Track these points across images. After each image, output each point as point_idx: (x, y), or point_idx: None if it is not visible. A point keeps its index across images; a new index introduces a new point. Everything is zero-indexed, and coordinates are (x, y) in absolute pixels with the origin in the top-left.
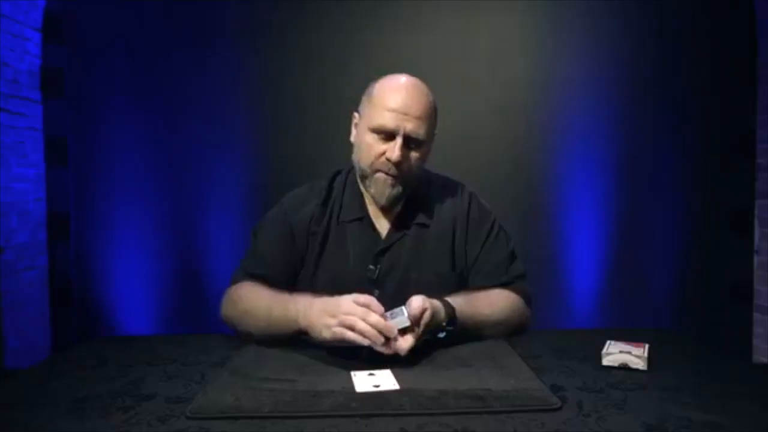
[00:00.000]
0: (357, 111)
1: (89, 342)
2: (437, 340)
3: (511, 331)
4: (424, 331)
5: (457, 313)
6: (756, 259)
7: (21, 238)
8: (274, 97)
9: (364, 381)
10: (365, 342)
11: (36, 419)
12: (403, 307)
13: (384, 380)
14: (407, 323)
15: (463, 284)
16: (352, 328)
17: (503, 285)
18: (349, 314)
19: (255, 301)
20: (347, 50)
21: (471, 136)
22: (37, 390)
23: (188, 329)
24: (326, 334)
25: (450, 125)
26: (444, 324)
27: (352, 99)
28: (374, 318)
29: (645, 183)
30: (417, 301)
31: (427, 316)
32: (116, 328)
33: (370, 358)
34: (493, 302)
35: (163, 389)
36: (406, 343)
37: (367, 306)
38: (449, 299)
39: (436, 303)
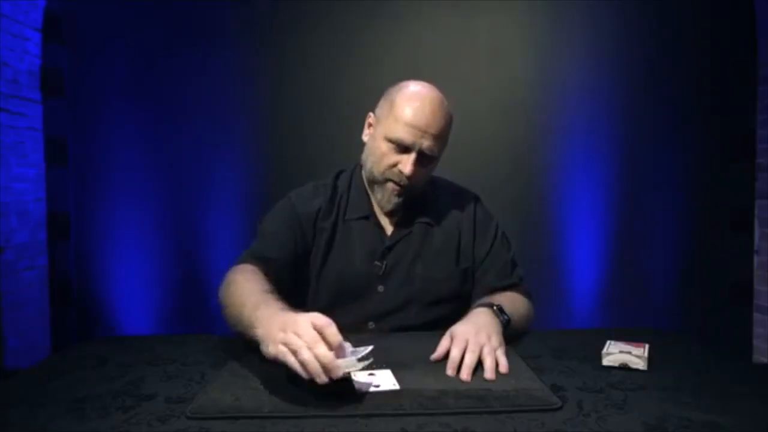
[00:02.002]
0: (373, 111)
1: (89, 342)
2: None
3: (526, 329)
4: (477, 349)
5: (503, 306)
6: (756, 259)
7: (21, 238)
8: (274, 97)
9: (364, 381)
10: (304, 375)
11: (36, 419)
12: (368, 348)
13: (384, 380)
14: (356, 367)
15: (467, 281)
16: (295, 354)
17: (512, 286)
18: (300, 335)
19: (238, 290)
20: (347, 50)
21: (471, 136)
22: (37, 390)
23: (188, 329)
24: (271, 349)
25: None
26: (503, 319)
27: (352, 99)
28: (322, 350)
29: (645, 183)
30: (441, 343)
31: (470, 343)
32: (116, 328)
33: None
34: (515, 304)
35: (163, 389)
36: (465, 373)
37: (321, 331)
38: (481, 301)
39: (478, 316)
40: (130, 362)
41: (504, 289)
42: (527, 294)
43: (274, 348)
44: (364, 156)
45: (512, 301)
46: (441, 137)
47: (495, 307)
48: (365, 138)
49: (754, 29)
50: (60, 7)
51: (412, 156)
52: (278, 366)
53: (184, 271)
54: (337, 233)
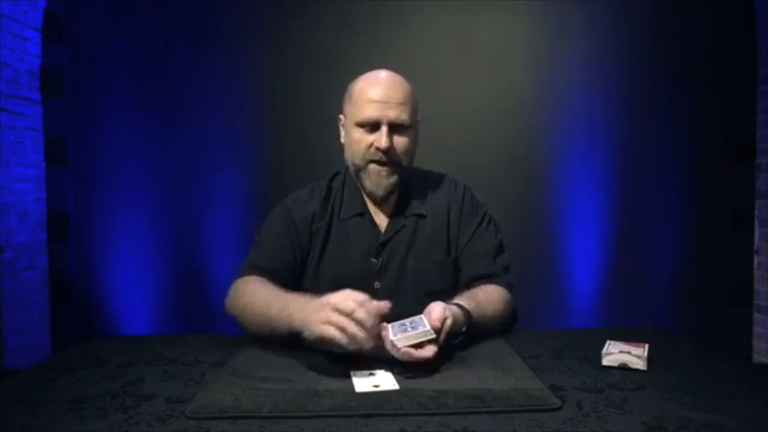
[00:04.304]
0: (341, 114)
1: (89, 342)
2: (452, 344)
3: (503, 325)
4: (446, 339)
5: (473, 318)
6: (756, 259)
7: (21, 238)
8: (273, 98)
9: (364, 381)
10: (351, 345)
11: (36, 419)
12: (422, 317)
13: (383, 380)
14: (431, 335)
15: (458, 270)
16: (341, 329)
17: (492, 276)
18: (341, 310)
19: (256, 297)
20: (347, 50)
21: (471, 136)
22: (37, 390)
23: (188, 329)
24: (315, 330)
25: (450, 125)
26: (464, 329)
27: None
28: (361, 314)
29: (645, 183)
30: (437, 311)
31: (448, 324)
32: (116, 328)
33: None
34: (492, 301)
35: (163, 389)
36: (429, 352)
37: (361, 304)
38: (462, 303)
39: (455, 309)
40: (130, 362)
41: (483, 278)
42: (508, 287)
43: (318, 328)
44: (345, 155)
45: (488, 299)
46: (405, 104)
47: (465, 320)
48: (342, 140)
49: (754, 29)
50: (60, 7)
51: (384, 129)
52: (277, 366)
53: (184, 271)
54: (333, 233)
